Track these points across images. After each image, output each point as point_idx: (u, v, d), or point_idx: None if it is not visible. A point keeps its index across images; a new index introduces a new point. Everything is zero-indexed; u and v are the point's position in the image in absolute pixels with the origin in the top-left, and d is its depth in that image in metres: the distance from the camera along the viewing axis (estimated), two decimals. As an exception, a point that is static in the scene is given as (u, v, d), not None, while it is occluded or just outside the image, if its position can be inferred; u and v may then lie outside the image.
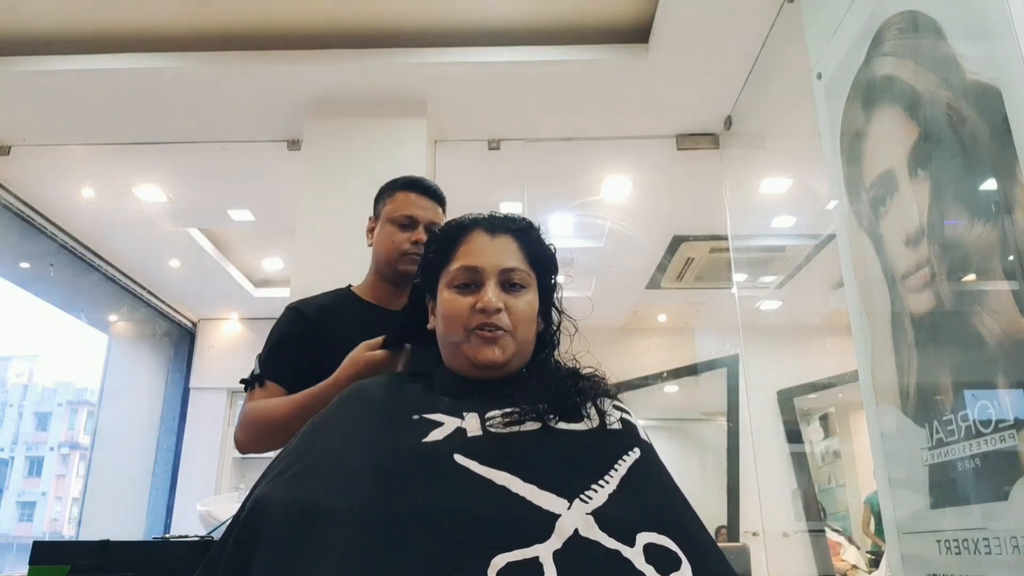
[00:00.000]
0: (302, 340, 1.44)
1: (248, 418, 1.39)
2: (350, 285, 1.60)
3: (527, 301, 1.00)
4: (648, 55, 2.79)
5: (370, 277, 1.58)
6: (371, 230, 1.59)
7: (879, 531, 4.83)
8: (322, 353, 1.38)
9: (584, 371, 1.00)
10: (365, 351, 1.28)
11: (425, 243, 1.10)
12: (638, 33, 2.81)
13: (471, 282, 0.98)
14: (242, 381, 1.45)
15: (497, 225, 1.03)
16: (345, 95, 3.01)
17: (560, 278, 1.08)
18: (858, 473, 5.57)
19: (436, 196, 1.57)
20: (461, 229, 1.03)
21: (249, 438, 1.39)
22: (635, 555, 0.75)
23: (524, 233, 1.04)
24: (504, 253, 1.00)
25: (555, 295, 1.06)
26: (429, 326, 1.07)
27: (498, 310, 0.96)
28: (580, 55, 2.84)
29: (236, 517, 0.84)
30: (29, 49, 2.90)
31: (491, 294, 0.96)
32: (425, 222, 1.52)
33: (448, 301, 0.99)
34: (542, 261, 1.04)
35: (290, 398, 1.36)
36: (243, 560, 0.78)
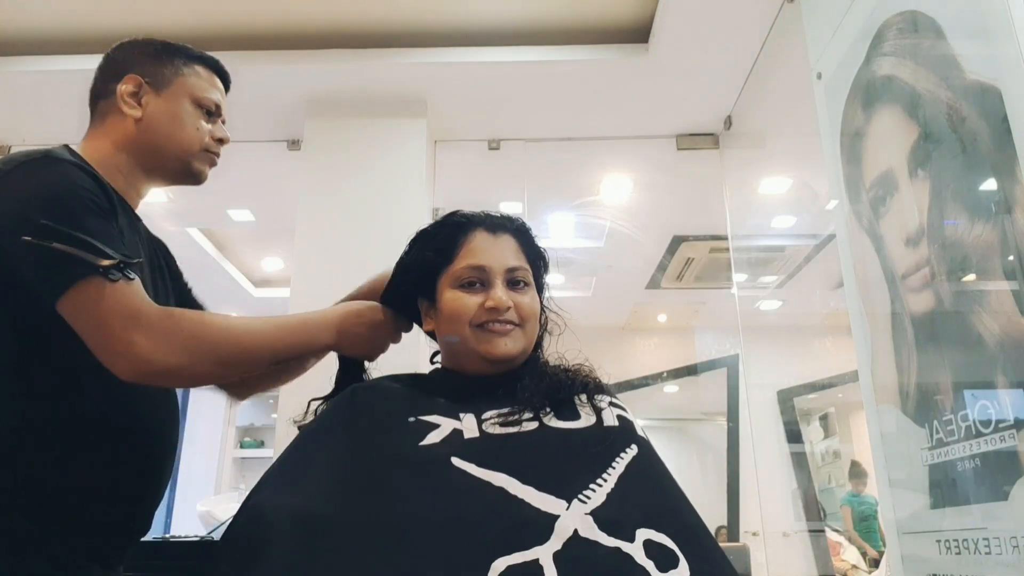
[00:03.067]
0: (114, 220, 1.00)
1: (200, 332, 0.95)
2: (67, 145, 1.14)
3: (532, 297, 1.01)
4: (648, 55, 2.78)
5: (121, 156, 1.15)
6: (134, 94, 1.16)
7: (863, 533, 4.83)
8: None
9: (572, 365, 1.01)
10: (380, 313, 1.07)
11: (420, 241, 1.06)
12: (638, 33, 2.80)
13: (477, 280, 0.99)
14: (92, 269, 0.89)
15: (497, 224, 1.04)
16: (345, 95, 3.01)
17: (559, 278, 1.09)
18: (858, 473, 5.56)
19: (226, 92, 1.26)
20: (460, 228, 1.03)
21: (210, 362, 0.95)
22: (635, 550, 0.76)
23: (522, 232, 1.06)
24: (508, 252, 1.02)
25: (544, 294, 1.08)
26: (425, 328, 1.07)
27: (508, 308, 0.97)
28: (580, 55, 2.84)
29: (233, 526, 0.83)
30: (29, 49, 2.89)
31: (501, 293, 0.97)
32: (222, 119, 1.25)
33: (454, 299, 0.99)
34: (539, 260, 1.06)
35: (273, 320, 1.01)
36: (242, 570, 0.77)
